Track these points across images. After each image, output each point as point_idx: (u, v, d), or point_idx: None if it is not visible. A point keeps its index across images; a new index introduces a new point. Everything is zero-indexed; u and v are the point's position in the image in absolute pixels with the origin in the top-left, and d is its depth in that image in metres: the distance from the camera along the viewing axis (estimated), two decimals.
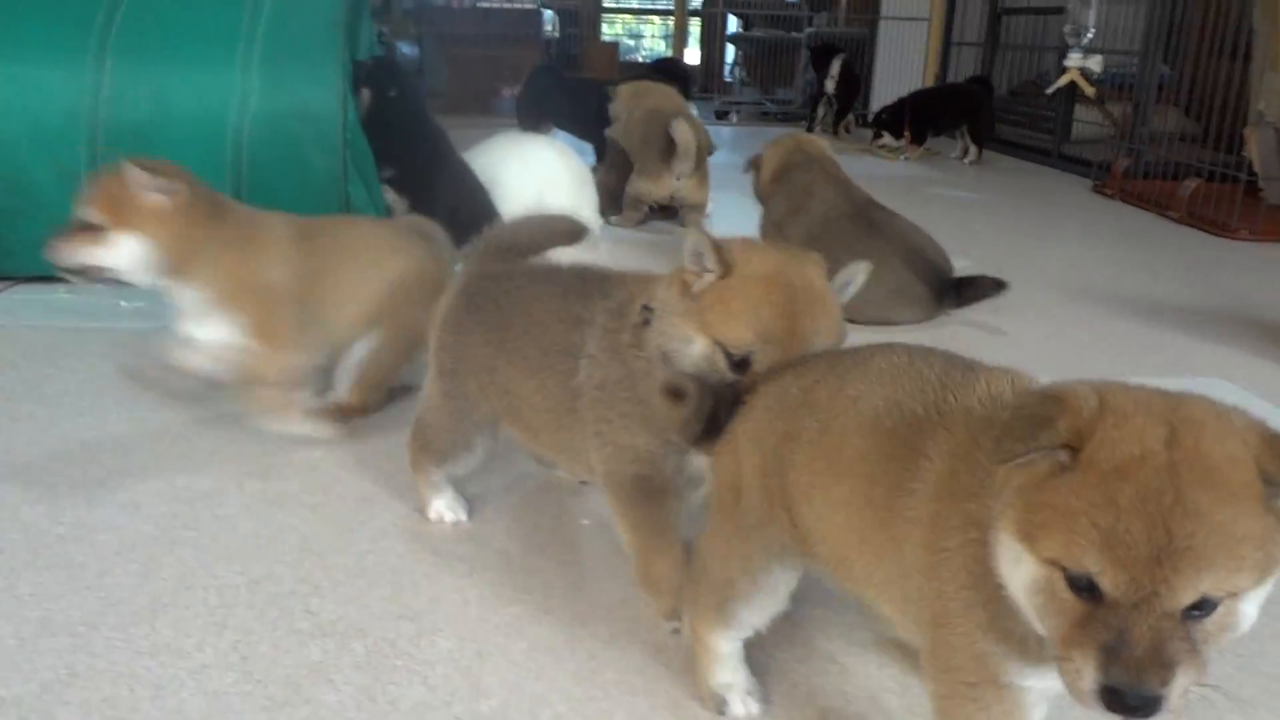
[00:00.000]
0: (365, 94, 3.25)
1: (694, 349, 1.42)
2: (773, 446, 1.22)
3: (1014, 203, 5.65)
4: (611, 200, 4.48)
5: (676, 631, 1.54)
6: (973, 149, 7.09)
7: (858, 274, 1.50)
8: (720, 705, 1.38)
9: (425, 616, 1.60)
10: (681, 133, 4.23)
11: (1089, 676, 0.87)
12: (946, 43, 8.84)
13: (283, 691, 1.41)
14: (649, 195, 4.46)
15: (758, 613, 1.33)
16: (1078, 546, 0.87)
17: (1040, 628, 0.93)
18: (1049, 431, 0.90)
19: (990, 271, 3.32)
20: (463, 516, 1.89)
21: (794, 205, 3.48)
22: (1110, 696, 0.86)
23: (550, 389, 1.62)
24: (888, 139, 7.15)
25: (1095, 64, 6.35)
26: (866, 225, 3.33)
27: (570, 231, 1.87)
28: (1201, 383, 2.80)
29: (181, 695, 1.39)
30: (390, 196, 3.36)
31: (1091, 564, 0.86)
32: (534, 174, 3.85)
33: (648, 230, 4.53)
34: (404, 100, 3.42)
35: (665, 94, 4.66)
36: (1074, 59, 6.36)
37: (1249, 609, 0.89)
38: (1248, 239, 4.74)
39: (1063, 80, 6.41)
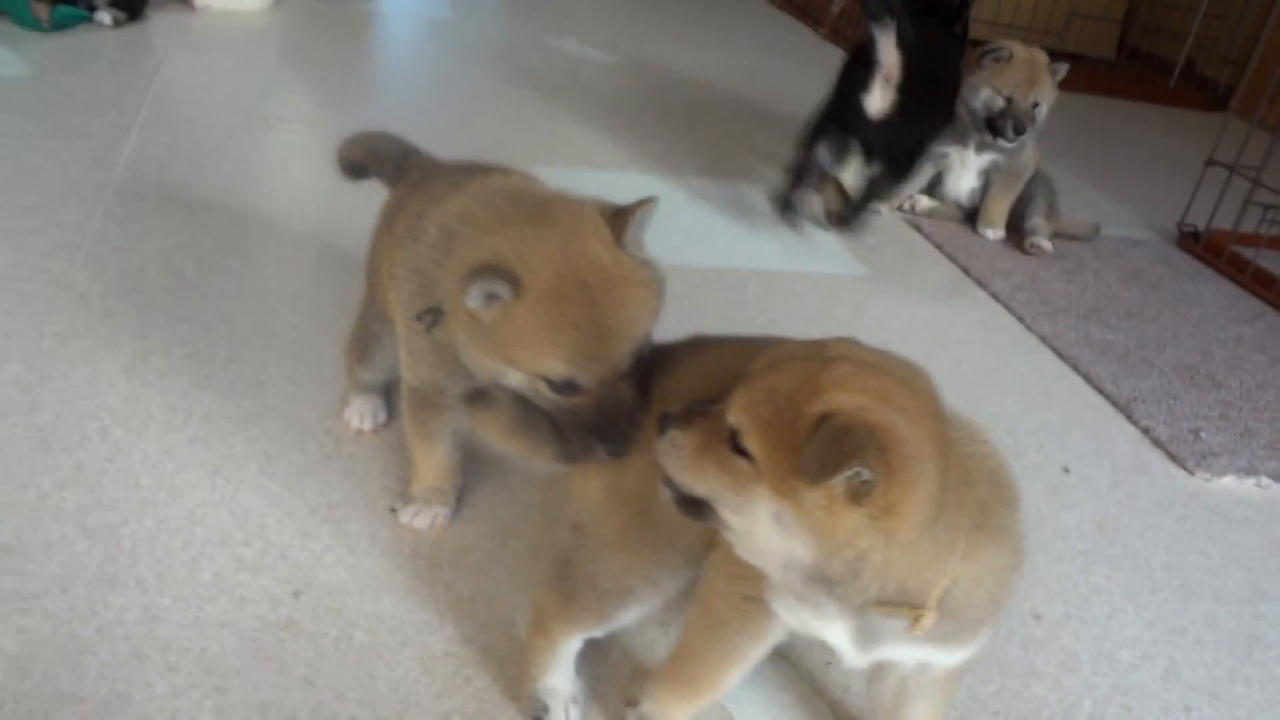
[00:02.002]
0: None
1: (511, 378, 1.28)
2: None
3: (686, 2, 5.98)
4: None
5: (393, 511, 1.65)
6: None
7: (645, 208, 1.29)
8: (540, 711, 1.34)
9: None
10: None
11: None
12: None
13: None
14: None
15: (639, 614, 1.30)
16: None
17: None
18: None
19: (626, 66, 3.64)
20: (368, 426, 1.84)
21: None
22: (661, 417, 1.13)
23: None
24: None
25: None
26: None
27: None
28: (757, 188, 3.32)
29: None
30: None
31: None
32: None
33: None
34: None
35: None
36: None
37: (758, 504, 1.01)
38: None
39: None
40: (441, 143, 1.90)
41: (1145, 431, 2.32)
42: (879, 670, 1.27)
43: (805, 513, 0.98)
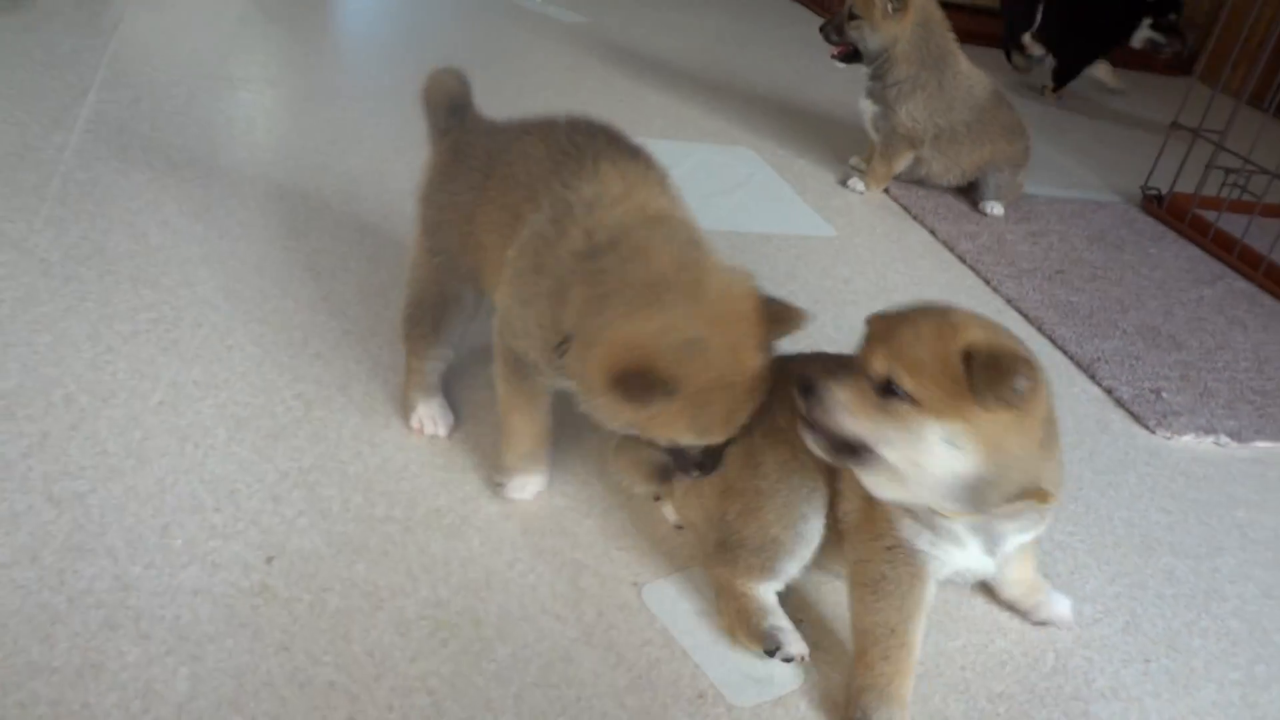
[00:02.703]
0: None
1: (629, 430, 1.42)
2: None
3: None
4: None
5: (498, 485, 1.66)
6: None
7: (801, 320, 1.41)
8: (773, 644, 1.46)
9: None
10: None
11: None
12: None
13: None
14: None
15: (799, 560, 1.50)
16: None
17: None
18: None
19: (597, 30, 3.61)
20: (442, 432, 1.76)
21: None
22: (800, 381, 1.31)
23: (504, 252, 1.54)
24: None
25: None
26: None
27: None
28: (732, 151, 3.31)
29: None
30: None
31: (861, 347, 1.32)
32: None
33: None
34: None
35: None
36: None
37: (929, 433, 1.23)
38: None
39: None
40: (407, 101, 1.88)
41: (1108, 391, 2.36)
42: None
43: (976, 428, 1.22)
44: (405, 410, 1.78)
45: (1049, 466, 1.33)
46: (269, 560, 1.46)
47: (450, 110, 1.75)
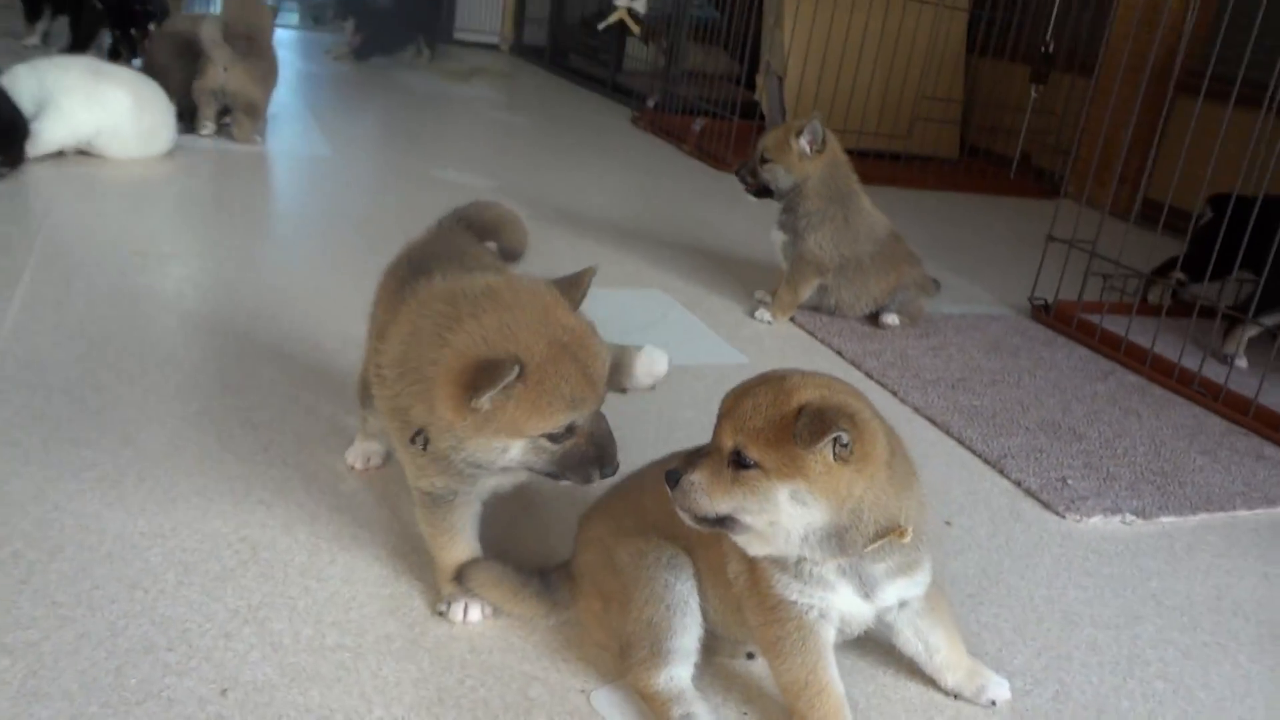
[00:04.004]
0: None
1: (513, 452, 1.49)
2: None
3: (559, 129, 6.26)
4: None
5: (440, 614, 1.72)
6: (426, 51, 8.14)
7: (590, 275, 1.61)
8: None
9: None
10: (208, 28, 4.46)
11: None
12: None
13: None
14: (202, 90, 4.58)
15: (689, 637, 1.57)
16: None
17: None
18: None
19: (507, 191, 3.82)
20: (373, 464, 2.12)
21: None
22: (666, 475, 1.43)
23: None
24: None
25: (640, 4, 7.08)
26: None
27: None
28: (644, 293, 3.49)
29: None
30: None
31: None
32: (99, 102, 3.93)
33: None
34: None
35: None
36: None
37: (778, 494, 1.36)
38: None
39: (612, 18, 7.09)
40: (330, 271, 2.00)
41: (1018, 484, 2.50)
42: (889, 629, 1.65)
43: (813, 482, 1.34)
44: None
45: (906, 504, 1.44)
46: (223, 692, 1.48)
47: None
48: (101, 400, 2.22)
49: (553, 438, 1.47)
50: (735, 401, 1.41)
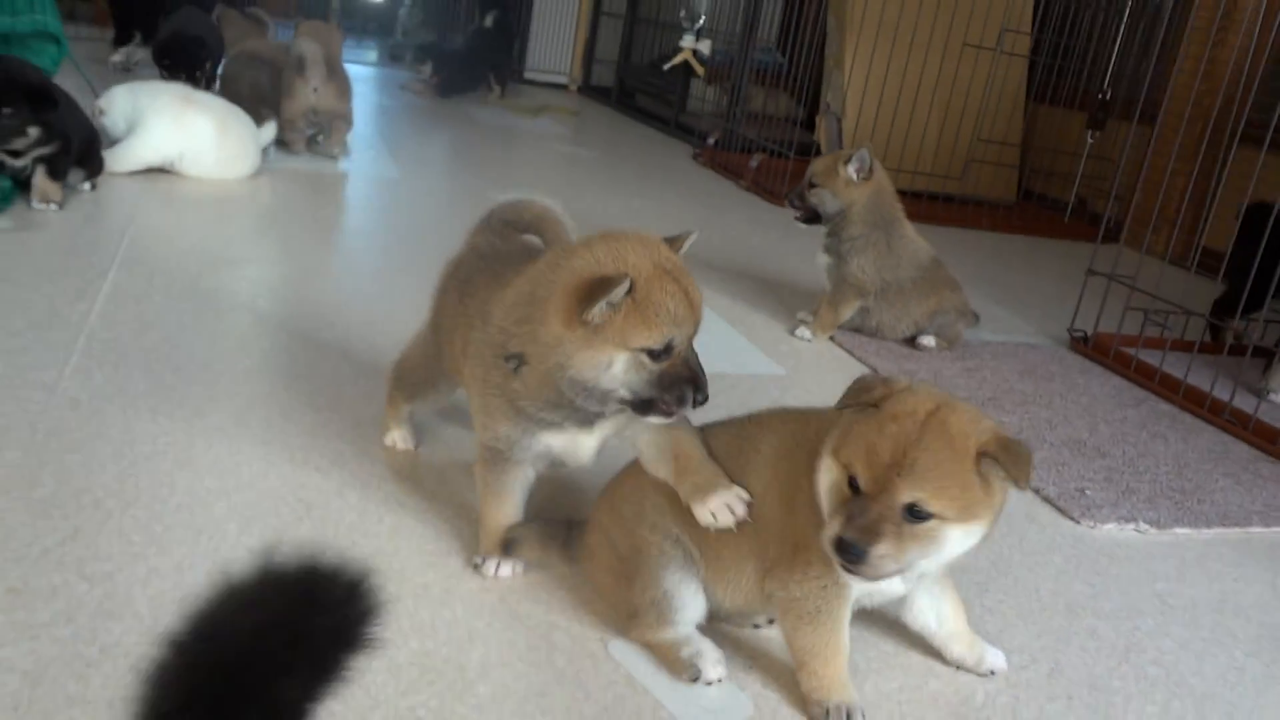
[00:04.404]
0: None
1: (616, 368, 1.59)
2: None
3: (622, 162, 6.47)
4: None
5: (475, 566, 1.86)
6: (497, 88, 8.32)
7: (691, 237, 1.78)
8: (694, 672, 1.64)
9: None
10: (307, 46, 4.75)
11: (832, 531, 1.45)
12: (596, 10, 9.60)
13: None
14: (292, 111, 4.86)
15: (693, 608, 1.70)
16: (852, 454, 1.46)
17: (825, 509, 1.50)
18: (867, 395, 1.53)
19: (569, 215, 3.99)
20: (410, 446, 2.27)
21: None
22: (839, 544, 1.44)
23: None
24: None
25: (705, 47, 7.31)
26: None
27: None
28: None
29: None
30: None
31: (855, 466, 1.46)
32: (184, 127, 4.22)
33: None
34: None
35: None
36: (687, 41, 7.29)
37: (952, 536, 1.44)
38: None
39: (677, 59, 7.33)
40: (390, 280, 2.18)
41: (1036, 491, 2.59)
42: (904, 600, 1.76)
43: (985, 516, 1.48)
44: (382, 432, 2.29)
45: None
46: None
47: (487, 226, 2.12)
48: (176, 379, 2.43)
49: (653, 354, 1.57)
50: (898, 448, 1.42)
